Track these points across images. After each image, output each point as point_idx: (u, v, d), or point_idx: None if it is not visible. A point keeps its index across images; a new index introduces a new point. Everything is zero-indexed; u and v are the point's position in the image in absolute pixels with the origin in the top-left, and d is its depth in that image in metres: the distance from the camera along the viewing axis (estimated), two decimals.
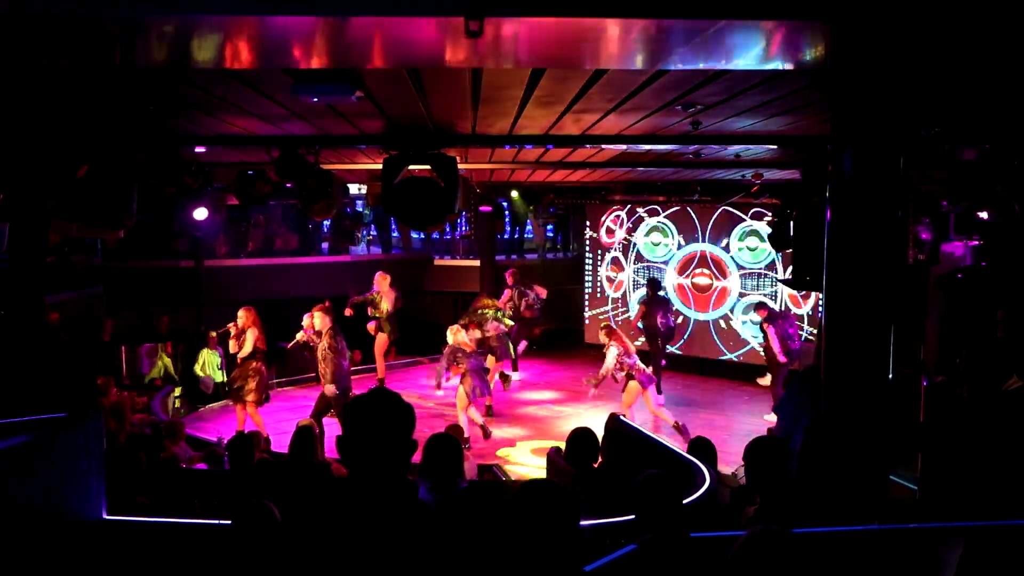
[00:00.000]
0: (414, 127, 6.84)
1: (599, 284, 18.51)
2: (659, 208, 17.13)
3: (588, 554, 3.34)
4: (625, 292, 17.85)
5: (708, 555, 3.19)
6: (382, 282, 14.21)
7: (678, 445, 8.74)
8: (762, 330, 13.36)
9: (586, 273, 18.83)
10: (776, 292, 15.60)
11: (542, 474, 9.60)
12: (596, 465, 6.44)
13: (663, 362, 14.71)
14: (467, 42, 3.32)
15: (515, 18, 3.15)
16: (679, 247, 17.02)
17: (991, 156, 8.50)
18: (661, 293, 15.23)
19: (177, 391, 14.15)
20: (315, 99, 5.07)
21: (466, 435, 11.11)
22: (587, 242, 18.78)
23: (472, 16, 2.89)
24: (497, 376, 13.49)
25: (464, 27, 2.91)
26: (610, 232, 18.17)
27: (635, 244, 17.64)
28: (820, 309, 14.01)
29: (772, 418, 10.81)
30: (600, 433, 9.31)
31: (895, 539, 3.78)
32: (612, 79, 5.04)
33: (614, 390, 11.98)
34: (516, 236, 21.45)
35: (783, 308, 15.02)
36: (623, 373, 11.59)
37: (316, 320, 11.61)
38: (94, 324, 13.96)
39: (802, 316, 15.08)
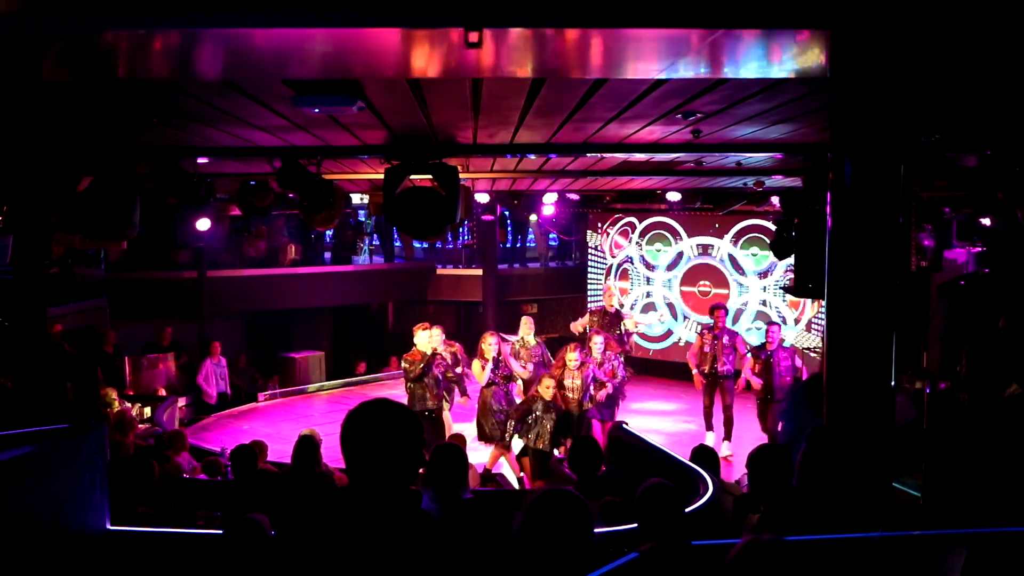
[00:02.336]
0: (415, 137, 6.85)
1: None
2: (660, 217, 17.14)
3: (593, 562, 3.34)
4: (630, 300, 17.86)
5: (709, 564, 3.18)
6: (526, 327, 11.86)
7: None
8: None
9: (589, 281, 18.81)
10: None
11: None
12: (599, 474, 6.44)
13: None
14: (467, 53, 3.33)
15: (515, 29, 3.16)
16: (680, 255, 17.02)
17: (993, 163, 8.51)
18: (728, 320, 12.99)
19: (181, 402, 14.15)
20: (316, 110, 5.09)
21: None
22: (590, 250, 18.77)
23: (471, 27, 2.90)
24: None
25: (463, 38, 2.92)
26: (613, 241, 18.18)
27: (638, 251, 17.65)
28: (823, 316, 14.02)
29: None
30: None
31: (898, 546, 3.77)
32: (612, 88, 5.05)
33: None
34: (518, 245, 21.47)
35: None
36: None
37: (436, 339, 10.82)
38: (97, 335, 13.99)
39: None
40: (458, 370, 10.85)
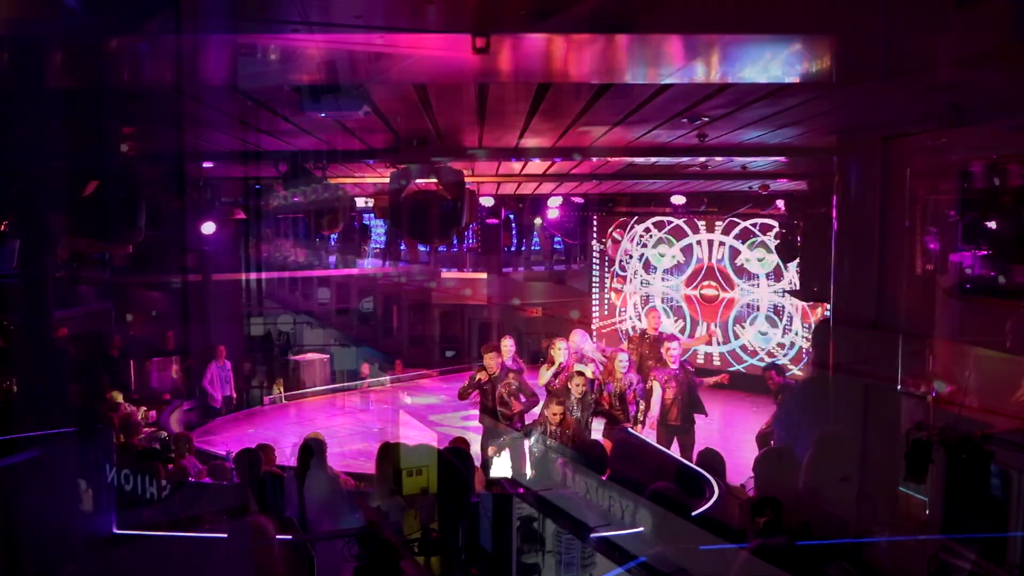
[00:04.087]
0: (421, 141, 6.86)
1: (606, 296, 18.49)
2: (665, 221, 17.11)
3: (597, 568, 3.35)
4: (632, 304, 17.84)
5: (716, 567, 3.19)
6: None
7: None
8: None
9: (593, 284, 18.79)
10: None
11: None
12: (604, 477, 6.43)
13: None
14: (474, 58, 3.34)
15: (521, 35, 3.17)
16: (685, 258, 17.00)
17: (998, 166, 8.49)
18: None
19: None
20: (323, 114, 5.11)
21: None
22: (595, 253, 18.74)
23: (479, 33, 2.91)
24: None
25: (471, 44, 2.93)
26: (616, 243, 18.15)
27: (643, 255, 17.62)
28: (817, 316, 13.93)
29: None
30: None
31: (904, 551, 3.78)
32: (617, 93, 5.05)
33: None
34: (523, 248, 21.45)
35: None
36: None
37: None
38: (103, 339, 14.00)
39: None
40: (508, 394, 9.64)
